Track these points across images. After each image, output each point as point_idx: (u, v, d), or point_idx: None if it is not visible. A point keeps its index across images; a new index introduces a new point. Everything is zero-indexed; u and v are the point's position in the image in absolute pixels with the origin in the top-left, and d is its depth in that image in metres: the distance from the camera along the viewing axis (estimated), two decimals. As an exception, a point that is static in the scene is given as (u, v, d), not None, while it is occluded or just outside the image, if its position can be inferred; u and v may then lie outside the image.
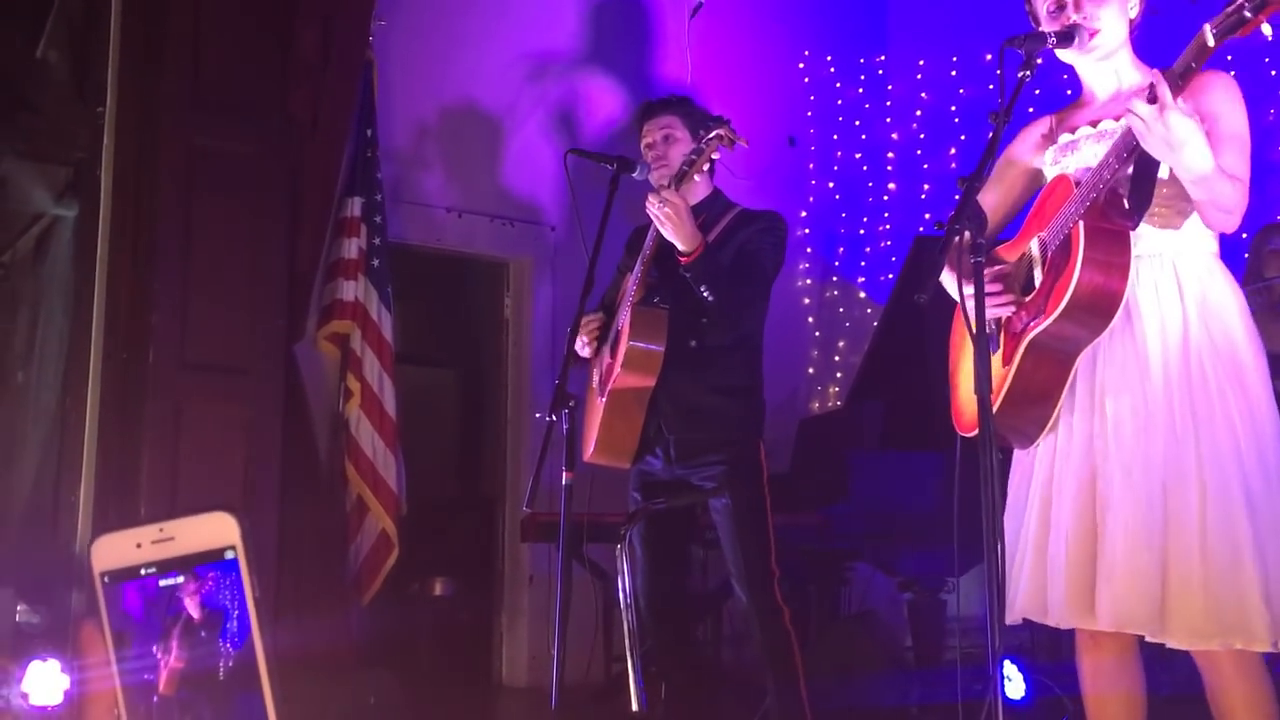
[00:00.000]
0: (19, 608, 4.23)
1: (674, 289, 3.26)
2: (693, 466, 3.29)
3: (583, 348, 3.42)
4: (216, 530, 0.75)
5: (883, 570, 5.17)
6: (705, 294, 3.16)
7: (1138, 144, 2.09)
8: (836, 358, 7.00)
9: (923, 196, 6.94)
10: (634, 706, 2.73)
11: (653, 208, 3.12)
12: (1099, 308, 2.16)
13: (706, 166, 3.35)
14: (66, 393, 4.64)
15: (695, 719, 3.37)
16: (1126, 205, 2.19)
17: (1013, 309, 2.30)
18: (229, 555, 0.74)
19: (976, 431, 1.96)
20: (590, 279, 3.21)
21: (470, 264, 6.32)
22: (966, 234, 1.98)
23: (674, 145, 3.40)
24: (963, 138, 6.80)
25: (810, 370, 6.97)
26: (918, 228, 6.59)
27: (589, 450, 3.35)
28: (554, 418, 2.96)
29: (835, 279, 7.14)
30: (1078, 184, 2.23)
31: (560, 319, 5.84)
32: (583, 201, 3.46)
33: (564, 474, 2.94)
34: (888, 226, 7.02)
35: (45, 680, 3.63)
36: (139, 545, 0.75)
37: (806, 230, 7.04)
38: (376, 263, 5.22)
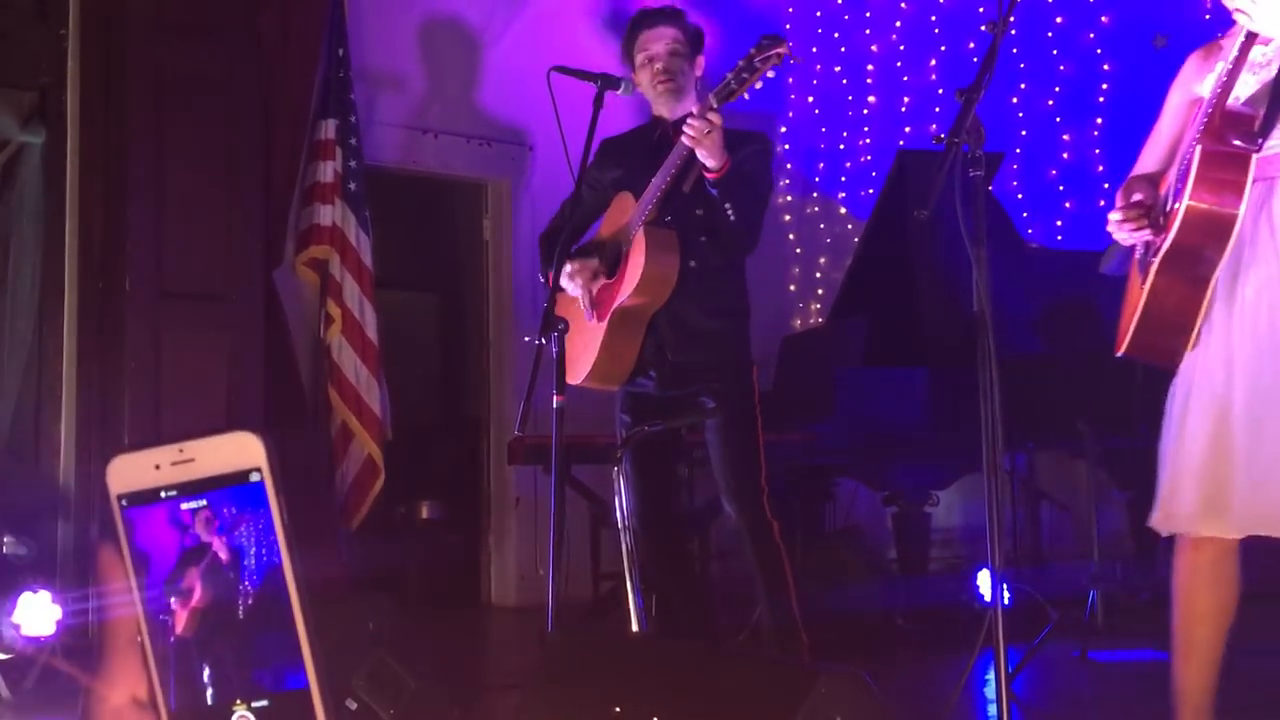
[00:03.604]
0: (5, 539, 4.21)
1: (676, 209, 3.21)
2: (687, 388, 3.27)
3: (575, 289, 3.31)
4: (240, 451, 0.71)
5: (868, 485, 5.22)
6: (729, 211, 3.11)
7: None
8: (818, 274, 6.98)
9: (903, 109, 6.87)
10: (634, 626, 2.75)
11: (695, 131, 2.97)
12: (1214, 227, 2.23)
13: (694, 79, 3.30)
14: (43, 323, 4.57)
15: (687, 633, 3.39)
16: (1256, 126, 2.25)
17: (1149, 234, 2.40)
18: (254, 478, 0.70)
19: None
20: (577, 199, 3.16)
21: (448, 186, 6.24)
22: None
23: (682, 62, 3.31)
24: (943, 49, 6.72)
25: (791, 288, 6.96)
26: (898, 141, 6.53)
27: (580, 375, 3.31)
28: (543, 341, 2.93)
29: (815, 195, 7.09)
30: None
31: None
32: (563, 120, 3.37)
33: (555, 397, 2.92)
34: (868, 141, 6.96)
35: (37, 611, 3.63)
36: (157, 466, 0.71)
37: (786, 146, 6.97)
38: (353, 186, 5.15)
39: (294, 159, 5.01)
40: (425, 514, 5.85)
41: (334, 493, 4.97)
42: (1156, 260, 2.30)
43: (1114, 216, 2.43)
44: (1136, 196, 2.44)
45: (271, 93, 4.88)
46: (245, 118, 4.76)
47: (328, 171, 5.09)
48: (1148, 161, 2.58)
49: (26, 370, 4.61)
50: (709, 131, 2.97)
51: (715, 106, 2.99)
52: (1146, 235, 2.40)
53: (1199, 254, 2.26)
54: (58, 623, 3.65)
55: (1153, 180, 2.49)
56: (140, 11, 4.54)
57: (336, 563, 4.72)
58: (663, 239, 3.19)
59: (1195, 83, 2.49)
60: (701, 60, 3.41)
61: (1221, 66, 2.33)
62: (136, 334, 4.42)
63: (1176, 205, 2.25)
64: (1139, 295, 2.35)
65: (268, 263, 4.84)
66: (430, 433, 6.44)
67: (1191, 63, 2.52)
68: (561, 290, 3.35)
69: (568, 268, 3.25)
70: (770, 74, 3.03)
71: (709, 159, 3.04)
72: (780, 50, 2.92)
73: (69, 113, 4.58)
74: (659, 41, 3.30)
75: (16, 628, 3.62)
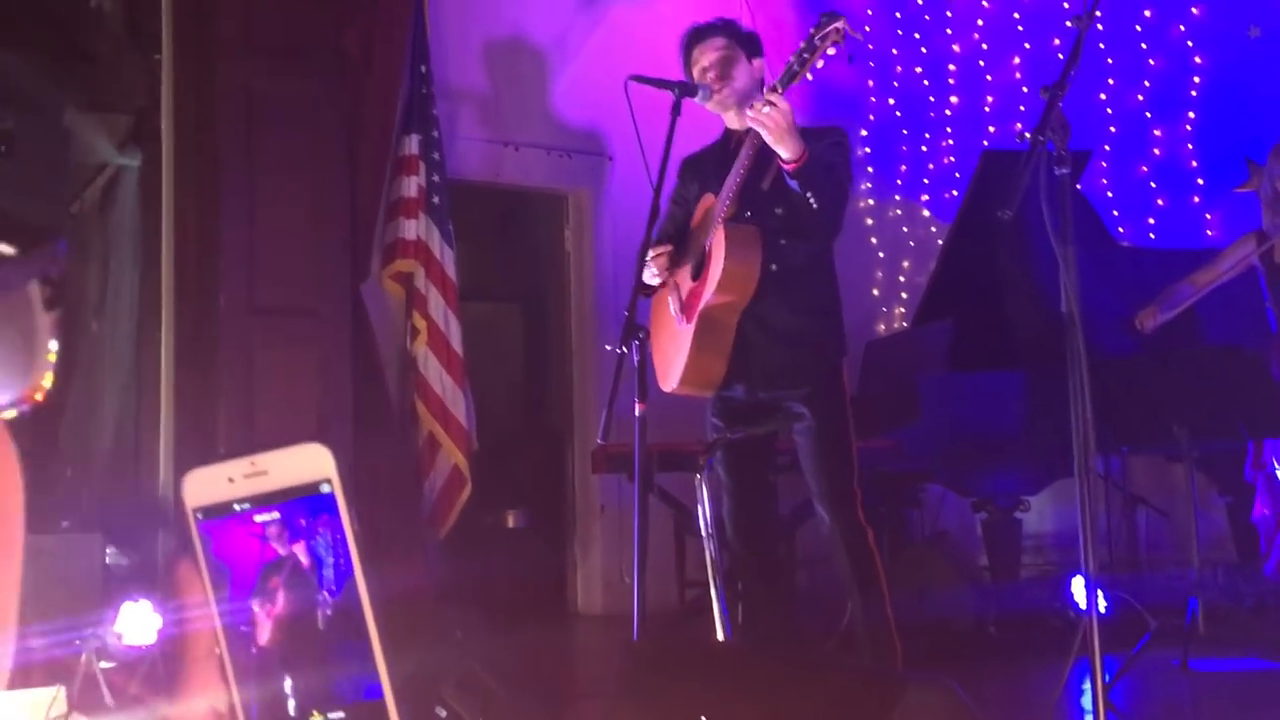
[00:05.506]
0: (108, 551, 4.33)
1: (755, 210, 3.20)
2: (778, 390, 3.24)
3: (653, 278, 3.36)
4: (310, 463, 0.71)
5: (956, 491, 5.14)
6: (811, 200, 3.08)
7: None
8: (901, 278, 6.90)
9: (986, 109, 6.75)
10: (719, 635, 2.73)
11: (758, 113, 2.98)
12: None
13: (755, 81, 3.27)
14: (141, 341, 4.71)
15: (774, 640, 3.36)
16: None
17: None
18: (324, 489, 0.71)
19: None
20: (655, 207, 3.15)
21: (529, 198, 6.29)
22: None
23: (734, 65, 3.30)
24: (1027, 46, 6.60)
25: (875, 292, 6.88)
26: (982, 142, 6.43)
27: (673, 381, 3.30)
28: (624, 349, 2.93)
29: (898, 198, 7.01)
30: None
31: (621, 250, 5.81)
32: (641, 130, 3.38)
33: (636, 405, 2.92)
34: (951, 142, 6.86)
35: (138, 620, 3.73)
36: (231, 480, 0.72)
37: (867, 149, 6.90)
38: (436, 200, 5.22)
39: (379, 175, 5.10)
40: (512, 523, 5.89)
41: (421, 503, 5.03)
42: None
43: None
44: None
45: (356, 110, 4.97)
46: (331, 136, 4.86)
47: (411, 186, 5.16)
48: None
49: (126, 388, 4.76)
50: (772, 113, 2.95)
51: (780, 90, 2.99)
52: None
53: None
54: (159, 632, 3.74)
55: None
56: (230, 34, 4.67)
57: (424, 572, 4.78)
58: (743, 235, 3.17)
59: None
60: (760, 63, 3.37)
61: None
62: (230, 350, 4.53)
63: None
64: None
65: (355, 277, 4.92)
66: (515, 442, 6.49)
67: None
68: (649, 291, 3.36)
69: (649, 257, 3.28)
70: (831, 51, 2.99)
71: (782, 148, 3.01)
72: (838, 25, 2.93)
73: (163, 135, 4.72)
74: (710, 52, 3.30)
75: (119, 637, 3.71)
